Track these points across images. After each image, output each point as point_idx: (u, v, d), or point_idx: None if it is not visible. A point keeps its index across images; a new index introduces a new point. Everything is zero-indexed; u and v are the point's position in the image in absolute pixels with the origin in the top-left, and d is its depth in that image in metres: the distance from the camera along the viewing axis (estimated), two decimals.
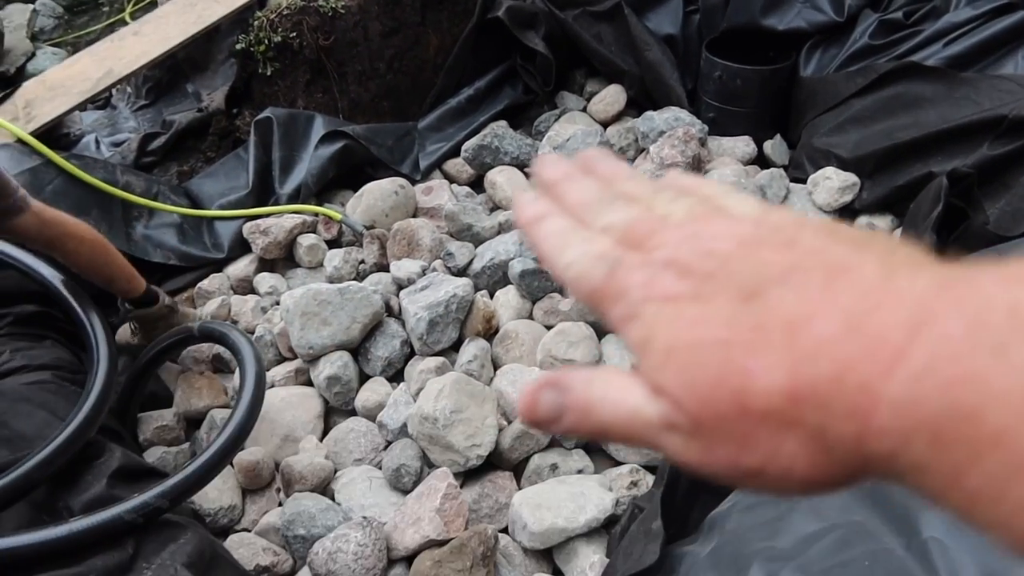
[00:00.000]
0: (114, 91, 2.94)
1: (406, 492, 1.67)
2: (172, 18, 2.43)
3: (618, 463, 1.73)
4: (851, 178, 2.17)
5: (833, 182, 2.17)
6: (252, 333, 2.09)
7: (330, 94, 2.59)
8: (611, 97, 2.70)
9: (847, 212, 2.21)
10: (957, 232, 1.80)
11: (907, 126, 2.09)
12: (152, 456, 1.76)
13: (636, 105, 2.75)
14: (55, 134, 2.55)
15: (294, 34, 2.45)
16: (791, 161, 2.47)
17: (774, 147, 2.50)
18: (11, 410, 1.42)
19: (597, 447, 1.77)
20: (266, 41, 2.45)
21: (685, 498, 1.47)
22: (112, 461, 1.34)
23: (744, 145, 2.47)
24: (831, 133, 2.28)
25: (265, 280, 2.21)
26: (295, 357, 2.00)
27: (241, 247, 2.31)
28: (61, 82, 2.24)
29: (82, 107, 2.40)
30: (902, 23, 2.23)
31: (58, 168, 2.07)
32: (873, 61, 2.25)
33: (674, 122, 2.33)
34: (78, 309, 1.58)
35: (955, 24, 2.11)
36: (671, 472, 1.43)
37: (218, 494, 1.68)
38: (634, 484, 1.64)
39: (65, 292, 1.63)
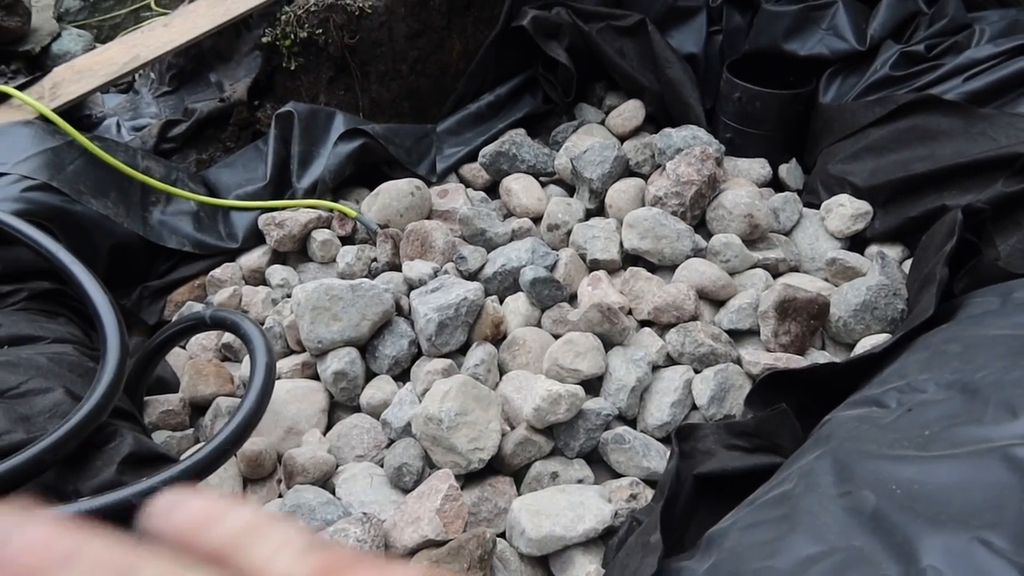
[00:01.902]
0: (137, 76, 2.96)
1: (407, 491, 1.68)
2: (202, 11, 2.46)
3: (618, 475, 1.74)
4: (864, 206, 2.19)
5: (846, 209, 2.19)
6: (262, 324, 2.11)
7: (352, 92, 2.61)
8: (630, 112, 2.72)
9: (858, 240, 2.23)
10: (967, 267, 1.80)
11: (923, 158, 2.11)
12: (157, 439, 1.77)
13: (654, 121, 2.76)
14: (77, 115, 2.57)
15: (320, 31, 2.48)
16: (805, 186, 2.49)
17: (789, 171, 2.51)
18: (30, 383, 1.43)
19: (598, 458, 1.78)
20: (292, 36, 2.48)
21: (684, 514, 1.48)
22: (123, 447, 1.36)
23: (760, 167, 2.48)
24: (846, 161, 2.30)
25: (277, 272, 2.23)
26: (303, 350, 2.01)
27: (255, 238, 2.33)
28: (89, 67, 2.27)
29: (106, 89, 2.43)
30: (923, 56, 2.25)
31: (80, 148, 2.09)
32: (892, 92, 2.26)
33: (692, 140, 2.34)
34: (88, 290, 1.60)
35: (976, 60, 2.13)
36: (672, 487, 1.44)
37: (219, 482, 1.69)
38: (633, 497, 1.65)
39: (76, 272, 1.65)
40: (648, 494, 1.68)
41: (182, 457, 1.65)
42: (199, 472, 1.33)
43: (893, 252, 2.13)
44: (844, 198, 2.22)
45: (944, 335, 1.49)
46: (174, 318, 2.16)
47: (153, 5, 4.55)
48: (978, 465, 1.06)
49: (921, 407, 1.28)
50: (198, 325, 1.78)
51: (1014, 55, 2.07)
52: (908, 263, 2.10)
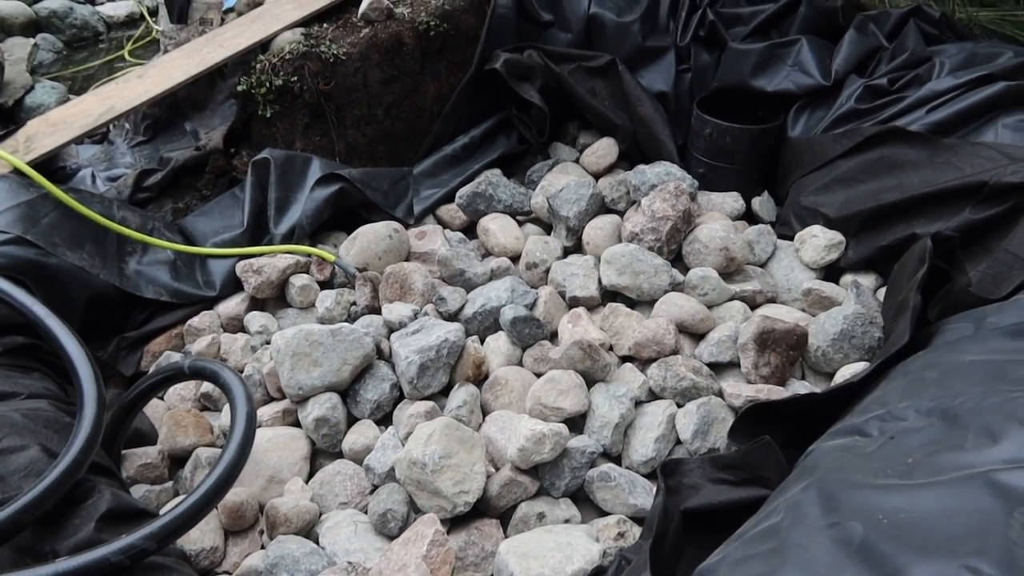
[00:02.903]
0: (112, 127, 2.97)
1: (392, 537, 1.66)
2: (177, 61, 2.47)
3: (605, 513, 1.73)
4: (837, 236, 2.22)
5: (819, 240, 2.22)
6: (241, 372, 2.09)
7: (328, 137, 2.62)
8: (603, 150, 2.76)
9: (833, 270, 2.26)
10: (940, 293, 1.84)
11: (891, 188, 2.15)
12: (136, 493, 1.74)
13: (628, 158, 2.81)
14: (51, 167, 2.55)
15: (295, 78, 2.50)
16: (778, 218, 2.53)
17: (762, 204, 2.55)
18: (5, 440, 1.40)
19: (584, 496, 1.77)
20: (267, 84, 2.49)
21: (673, 550, 1.47)
22: (101, 503, 1.33)
23: (733, 201, 2.52)
24: (818, 192, 2.34)
25: (256, 319, 2.21)
26: (283, 398, 1.99)
27: (233, 285, 2.32)
28: (64, 119, 2.26)
29: (80, 141, 2.42)
30: (887, 89, 2.31)
31: (55, 201, 2.08)
32: (858, 124, 2.32)
33: (665, 176, 2.38)
34: (64, 344, 1.57)
35: (938, 92, 2.19)
36: (659, 524, 1.43)
37: (200, 535, 1.65)
38: (621, 535, 1.64)
39: (50, 325, 1.63)
40: (636, 531, 1.66)
41: (161, 512, 1.62)
42: (178, 528, 1.30)
43: (867, 280, 2.16)
44: (817, 229, 2.25)
45: (921, 362, 1.50)
46: (151, 369, 2.13)
47: (127, 56, 4.57)
48: (962, 492, 1.06)
49: (903, 435, 1.29)
50: (176, 375, 1.76)
51: (974, 86, 2.13)
52: (882, 291, 2.13)
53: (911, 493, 1.11)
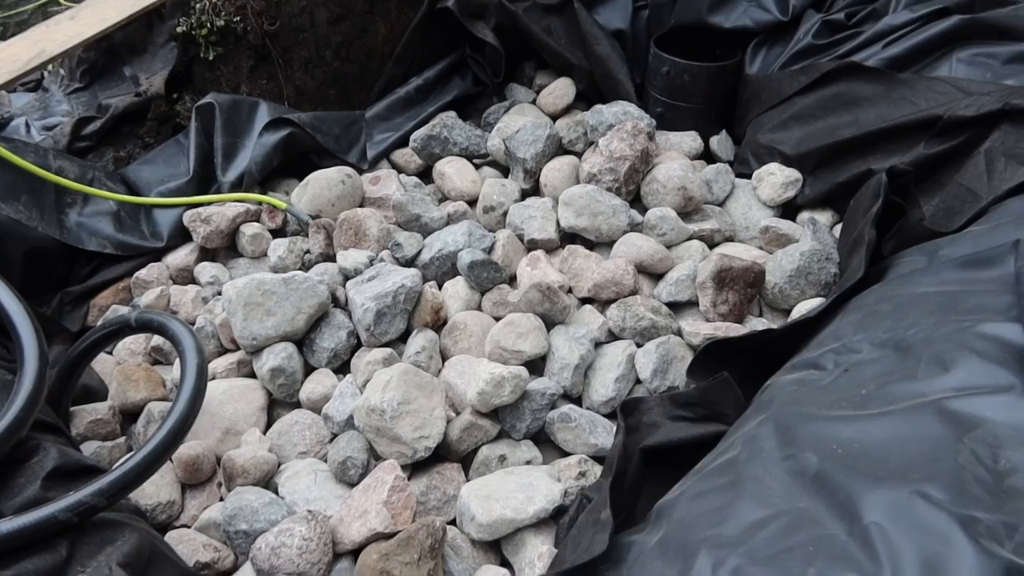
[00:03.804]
0: (47, 73, 2.82)
1: (352, 485, 1.65)
2: (111, 1, 2.34)
3: (566, 454, 1.74)
4: (794, 174, 2.22)
5: (777, 178, 2.22)
6: (193, 324, 2.03)
7: (275, 81, 2.53)
8: (560, 90, 2.70)
9: (790, 207, 2.26)
10: (894, 228, 1.85)
11: (847, 124, 2.15)
12: (87, 451, 1.70)
13: (585, 98, 2.75)
14: None
15: (238, 18, 2.39)
16: (736, 156, 2.51)
17: (720, 143, 2.54)
18: None
19: (546, 438, 1.77)
20: (208, 25, 2.38)
21: (633, 487, 1.48)
22: (47, 461, 1.28)
23: (691, 140, 2.50)
24: (775, 130, 2.33)
25: (206, 270, 2.15)
26: (237, 348, 1.95)
27: (181, 236, 2.25)
28: None
29: (10, 88, 2.30)
30: (844, 24, 2.29)
31: None
32: (816, 60, 2.30)
33: (623, 116, 2.34)
34: (1, 300, 1.51)
35: (894, 27, 2.17)
36: (619, 462, 1.44)
37: (155, 489, 1.62)
38: (582, 475, 1.65)
39: None
40: (597, 470, 1.68)
41: (113, 467, 1.58)
42: (128, 483, 1.27)
43: (823, 217, 2.17)
44: (774, 167, 2.25)
45: (875, 295, 1.51)
46: (98, 323, 2.06)
47: (62, 1, 4.35)
48: (914, 420, 1.07)
49: (857, 367, 1.30)
50: (123, 329, 1.71)
51: (929, 20, 2.12)
52: (839, 228, 2.14)
53: (864, 423, 1.12)
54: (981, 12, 2.07)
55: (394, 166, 2.60)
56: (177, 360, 1.91)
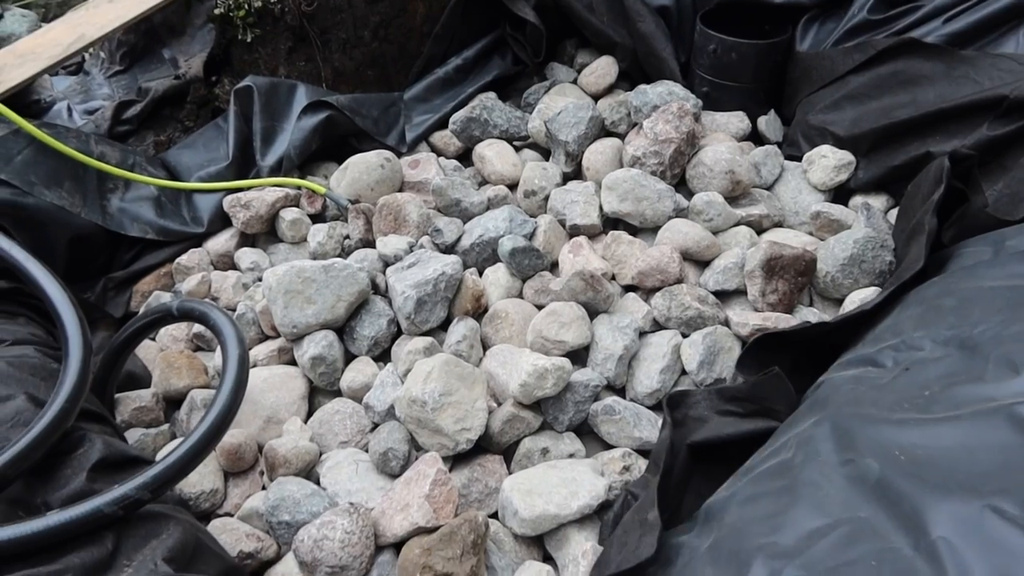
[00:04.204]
0: (87, 56, 2.83)
1: (394, 476, 1.63)
2: None
3: (610, 446, 1.70)
4: (847, 156, 2.14)
5: (829, 160, 2.14)
6: (233, 311, 2.04)
7: (313, 62, 2.50)
8: (602, 69, 2.63)
9: (842, 191, 2.18)
10: (955, 215, 1.76)
11: (904, 104, 2.05)
12: (131, 438, 1.71)
13: (628, 78, 2.68)
14: (25, 101, 2.45)
15: None
16: (785, 138, 2.43)
17: (768, 123, 2.45)
18: None
19: (588, 430, 1.74)
20: (246, 6, 2.36)
21: (679, 483, 1.45)
22: (92, 452, 1.29)
23: (738, 121, 2.42)
24: (827, 110, 2.24)
25: (246, 255, 2.15)
26: (278, 335, 1.94)
27: (221, 221, 2.24)
28: (31, 49, 2.14)
29: (52, 71, 2.31)
30: None
31: (29, 137, 1.98)
32: (871, 37, 2.20)
33: (668, 96, 2.27)
34: (46, 288, 1.51)
35: (955, 0, 2.06)
36: (667, 459, 1.40)
37: (199, 478, 1.63)
38: (626, 469, 1.62)
39: (31, 269, 1.56)
40: (641, 464, 1.64)
41: (157, 458, 1.59)
42: (173, 476, 1.27)
43: (878, 202, 2.09)
44: (826, 149, 2.16)
45: (937, 288, 1.45)
46: (141, 309, 2.08)
47: None
48: (983, 426, 1.02)
49: (919, 366, 1.24)
50: (165, 317, 1.71)
51: None
52: (893, 213, 2.06)
53: (929, 428, 1.07)
54: None
55: (433, 148, 2.57)
56: (219, 347, 1.91)
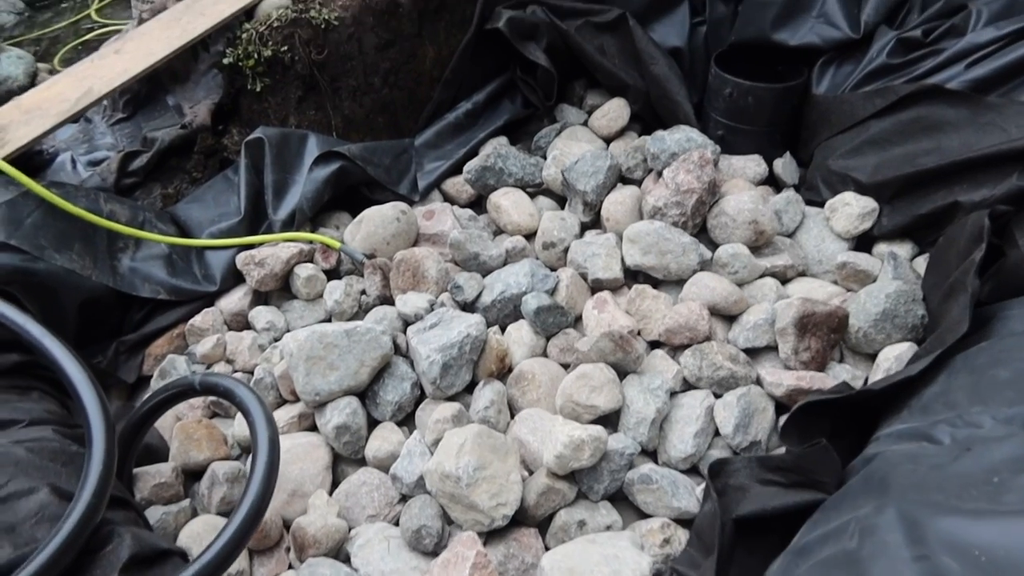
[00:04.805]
0: None
1: (427, 554, 1.58)
2: (156, 33, 2.28)
3: (645, 515, 1.66)
4: (870, 203, 2.11)
5: (852, 208, 2.11)
6: (250, 373, 1.98)
7: (323, 111, 2.46)
8: (614, 112, 2.61)
9: (865, 238, 2.15)
10: (991, 270, 1.73)
11: (929, 151, 2.03)
12: (152, 516, 1.64)
13: (640, 120, 2.66)
14: (27, 152, 2.39)
15: (285, 47, 2.32)
16: (804, 182, 2.40)
17: (784, 166, 2.43)
18: (11, 484, 1.29)
19: (623, 497, 1.69)
20: (255, 55, 2.32)
21: (723, 559, 1.40)
22: (122, 549, 1.23)
23: (755, 165, 2.39)
24: (848, 156, 2.22)
25: (262, 315, 2.09)
26: (297, 400, 1.89)
27: (234, 278, 2.19)
28: (38, 104, 2.08)
29: (59, 128, 2.24)
30: (921, 41, 2.16)
31: (38, 199, 1.92)
32: (890, 81, 2.18)
33: (686, 143, 2.24)
34: (66, 368, 1.45)
35: (977, 45, 2.04)
36: (719, 540, 1.35)
37: None
38: (667, 541, 1.57)
39: (49, 348, 1.49)
40: (681, 535, 1.60)
41: (182, 542, 1.53)
42: (210, 575, 1.21)
43: (903, 250, 2.06)
44: (849, 196, 2.14)
45: (987, 356, 1.41)
46: (154, 373, 2.01)
47: (94, 15, 4.31)
48: None
49: (981, 446, 1.20)
50: (187, 391, 1.65)
51: (1017, 39, 1.99)
52: (918, 261, 2.04)
53: (1006, 524, 1.03)
54: None
55: (446, 197, 2.53)
56: (239, 415, 1.85)
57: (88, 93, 2.13)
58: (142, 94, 2.78)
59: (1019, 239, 1.79)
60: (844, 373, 1.82)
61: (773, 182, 2.45)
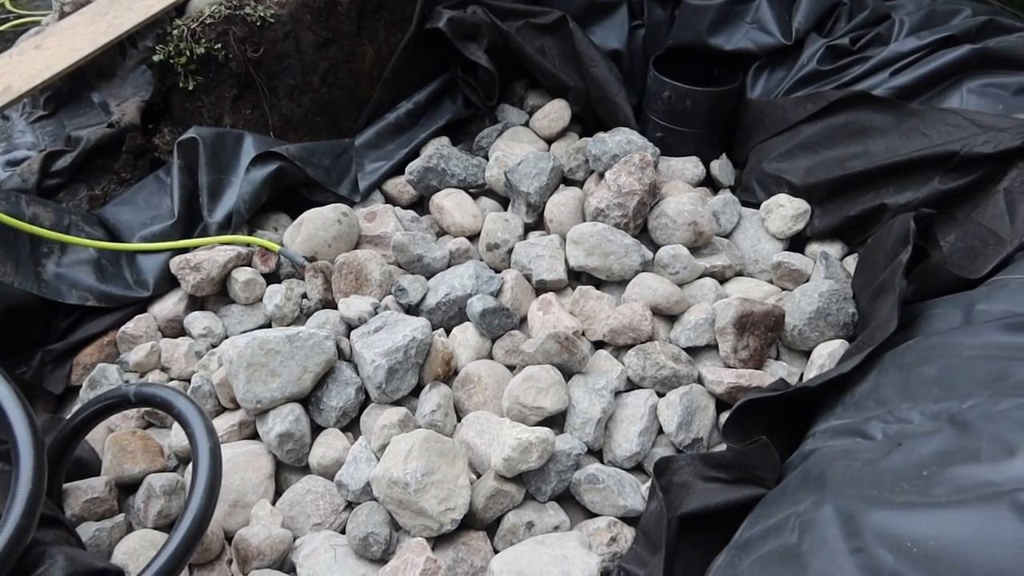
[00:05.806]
0: None
1: (374, 561, 1.57)
2: (80, 28, 2.19)
3: (593, 515, 1.68)
4: (803, 205, 2.18)
5: (787, 210, 2.18)
6: (187, 381, 1.92)
7: (259, 110, 2.40)
8: (555, 112, 2.63)
9: (798, 239, 2.22)
10: (916, 270, 1.81)
11: (857, 155, 2.11)
12: (84, 533, 1.58)
13: (580, 121, 2.69)
14: None
15: (219, 45, 2.25)
16: (740, 183, 2.47)
17: (721, 167, 2.49)
18: None
19: (570, 497, 1.71)
20: (187, 52, 2.25)
21: (668, 555, 1.43)
22: (55, 572, 1.18)
23: (693, 166, 2.44)
24: (781, 159, 2.29)
25: (198, 320, 2.03)
26: (237, 407, 1.84)
27: (168, 283, 2.11)
28: None
29: None
30: (848, 49, 2.25)
31: None
32: (821, 86, 2.26)
33: (627, 145, 2.27)
34: None
35: (901, 54, 2.14)
36: (667, 538, 1.38)
37: None
38: (613, 540, 1.60)
39: None
40: (627, 533, 1.62)
41: (117, 558, 1.48)
42: None
43: (834, 250, 2.14)
44: (783, 198, 2.20)
45: (914, 354, 1.48)
46: (83, 383, 1.93)
47: (8, 5, 4.11)
48: (990, 516, 1.03)
49: (912, 441, 1.26)
50: (120, 403, 1.58)
51: (937, 48, 2.09)
52: (848, 260, 2.11)
53: (935, 515, 1.08)
54: (988, 40, 2.05)
55: (388, 198, 2.50)
56: (175, 423, 1.79)
57: (7, 91, 2.03)
58: (65, 91, 2.66)
59: (941, 241, 1.89)
60: (781, 370, 1.88)
61: (711, 183, 2.51)
